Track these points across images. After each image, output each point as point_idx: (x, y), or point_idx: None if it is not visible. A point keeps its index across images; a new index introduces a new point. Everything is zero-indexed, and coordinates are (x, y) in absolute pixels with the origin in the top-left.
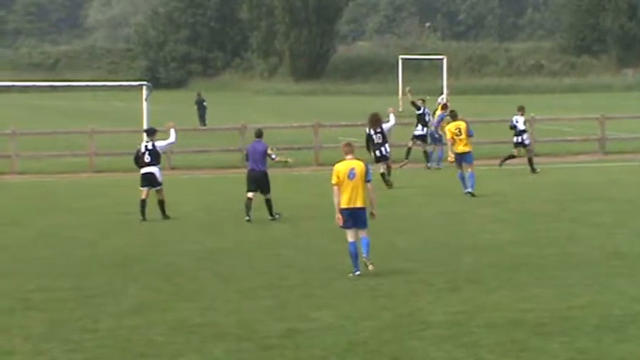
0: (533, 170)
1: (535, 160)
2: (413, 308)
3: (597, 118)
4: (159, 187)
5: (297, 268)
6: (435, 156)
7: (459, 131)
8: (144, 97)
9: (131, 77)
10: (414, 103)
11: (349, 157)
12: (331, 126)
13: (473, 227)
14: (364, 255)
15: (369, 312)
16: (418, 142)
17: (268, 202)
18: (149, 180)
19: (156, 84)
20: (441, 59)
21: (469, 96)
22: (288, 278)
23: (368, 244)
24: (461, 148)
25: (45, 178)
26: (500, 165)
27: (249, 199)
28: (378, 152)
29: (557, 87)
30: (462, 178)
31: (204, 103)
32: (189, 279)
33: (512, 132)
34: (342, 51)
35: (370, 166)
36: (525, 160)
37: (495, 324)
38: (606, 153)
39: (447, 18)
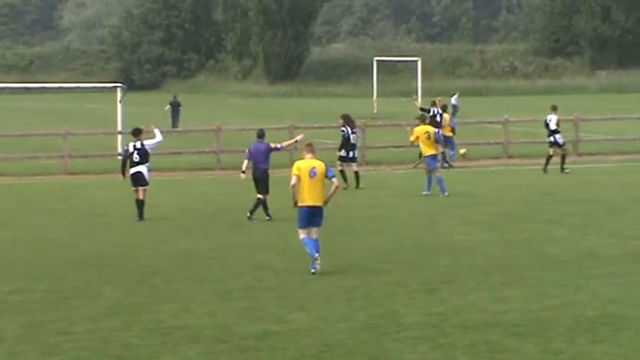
0: (563, 170)
1: (508, 161)
2: (388, 310)
3: (571, 120)
4: (145, 187)
5: (272, 269)
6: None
7: (429, 135)
8: (118, 98)
9: (105, 79)
10: (422, 109)
11: (309, 155)
12: (306, 128)
13: (448, 228)
14: (312, 269)
15: (345, 314)
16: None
17: (259, 202)
18: (137, 179)
19: (130, 86)
20: (416, 61)
21: (443, 97)
22: (263, 280)
23: (318, 250)
24: (431, 151)
25: (19, 180)
26: (545, 171)
27: (259, 199)
28: (351, 153)
29: (531, 89)
30: (430, 181)
31: (180, 108)
32: (164, 281)
33: (546, 131)
34: (317, 53)
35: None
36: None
37: (470, 325)
38: (580, 154)
39: (421, 20)
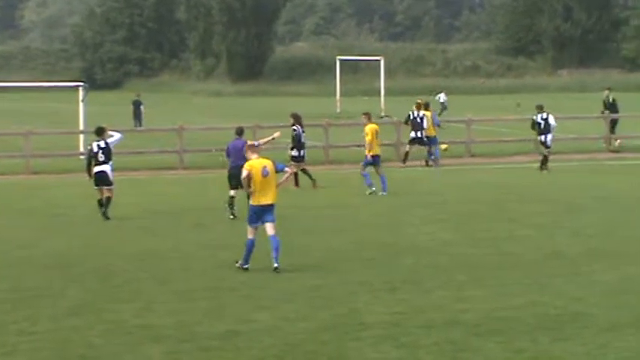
0: (541, 169)
1: (471, 160)
2: (351, 309)
3: (533, 119)
4: (110, 187)
5: (235, 269)
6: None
7: (377, 133)
8: (80, 98)
9: (67, 78)
10: (406, 123)
11: (255, 156)
12: (270, 127)
13: (411, 228)
14: (275, 264)
15: (307, 313)
16: (417, 145)
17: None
18: (102, 179)
19: (92, 85)
20: (378, 60)
21: (406, 97)
22: (226, 279)
23: (278, 249)
24: (377, 150)
25: None
26: (542, 170)
27: (232, 197)
28: (302, 152)
29: (494, 88)
30: (367, 176)
31: (142, 107)
32: (126, 280)
33: (535, 131)
34: (280, 52)
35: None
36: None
37: (433, 324)
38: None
39: (384, 19)
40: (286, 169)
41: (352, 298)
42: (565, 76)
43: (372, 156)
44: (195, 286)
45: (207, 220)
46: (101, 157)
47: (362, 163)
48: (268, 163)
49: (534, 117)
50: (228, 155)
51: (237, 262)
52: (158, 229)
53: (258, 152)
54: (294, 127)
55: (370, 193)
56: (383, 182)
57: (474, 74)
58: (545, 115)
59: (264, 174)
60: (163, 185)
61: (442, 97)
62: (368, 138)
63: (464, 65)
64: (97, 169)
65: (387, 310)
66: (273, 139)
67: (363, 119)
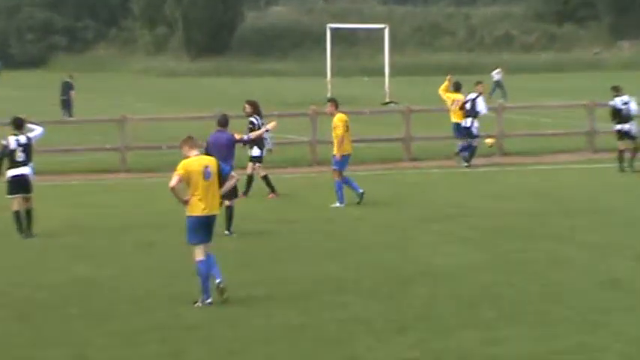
0: (633, 167)
1: (503, 160)
2: (347, 355)
3: (585, 106)
4: (30, 195)
5: (194, 303)
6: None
7: (348, 126)
8: None
9: None
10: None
11: (195, 152)
12: (239, 117)
13: (424, 248)
14: (217, 280)
15: None
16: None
17: (229, 211)
18: (21, 184)
19: (8, 62)
20: (382, 29)
21: (418, 77)
22: (183, 316)
23: (215, 262)
24: (349, 148)
25: None
26: (621, 169)
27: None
28: (263, 150)
29: (533, 65)
30: (348, 182)
31: (72, 91)
32: (53, 318)
33: (615, 119)
34: (253, 19)
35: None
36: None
37: None
38: (597, 151)
39: None
40: (232, 173)
41: (349, 340)
42: (626, 49)
43: (343, 155)
44: (142, 325)
45: (156, 238)
46: (20, 157)
47: (334, 168)
48: (210, 162)
49: (612, 102)
50: (207, 152)
51: (195, 303)
52: (93, 250)
53: (197, 147)
54: (252, 119)
55: (335, 208)
56: (350, 184)
57: (507, 47)
58: (626, 99)
59: (206, 176)
60: (100, 193)
61: (496, 74)
62: (338, 132)
63: (493, 35)
64: (14, 172)
65: (395, 356)
66: (267, 131)
67: (330, 108)
